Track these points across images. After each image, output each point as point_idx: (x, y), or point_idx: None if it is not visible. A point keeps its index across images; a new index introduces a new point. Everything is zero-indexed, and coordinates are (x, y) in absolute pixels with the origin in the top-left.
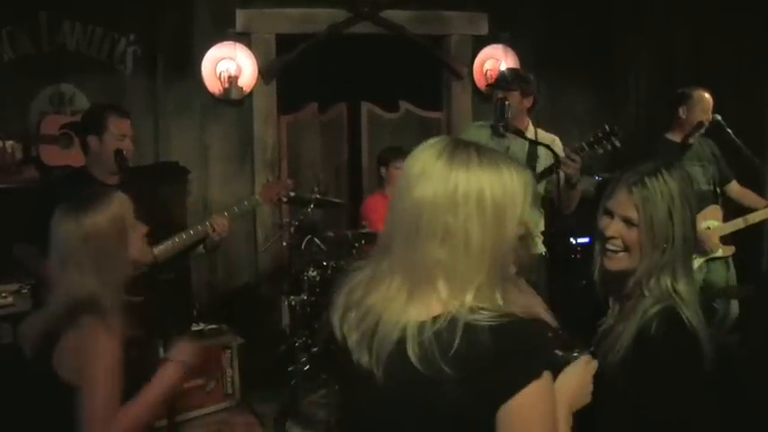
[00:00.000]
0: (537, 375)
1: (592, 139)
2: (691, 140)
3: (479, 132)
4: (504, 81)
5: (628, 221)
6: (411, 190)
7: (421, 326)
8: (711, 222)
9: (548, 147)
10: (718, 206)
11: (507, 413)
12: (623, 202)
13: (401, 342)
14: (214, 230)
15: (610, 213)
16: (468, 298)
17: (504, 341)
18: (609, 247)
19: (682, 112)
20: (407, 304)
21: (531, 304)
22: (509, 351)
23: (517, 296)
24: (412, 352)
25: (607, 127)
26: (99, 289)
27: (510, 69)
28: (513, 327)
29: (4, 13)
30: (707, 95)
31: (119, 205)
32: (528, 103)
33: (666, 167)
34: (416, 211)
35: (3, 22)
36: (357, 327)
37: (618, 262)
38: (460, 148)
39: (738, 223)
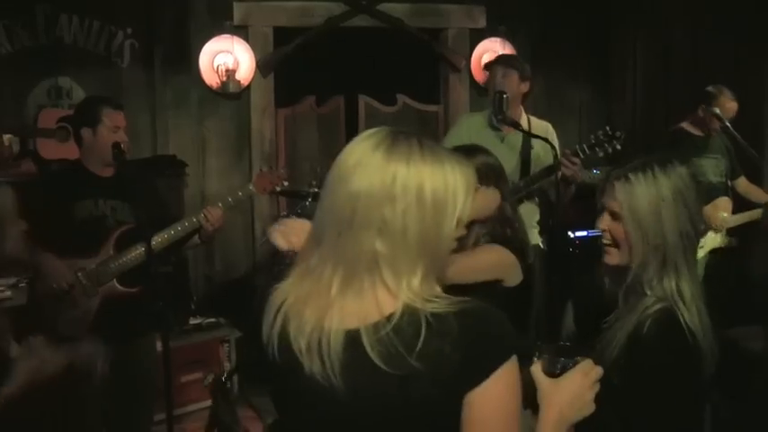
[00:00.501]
0: (506, 358)
1: (592, 141)
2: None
3: (471, 122)
4: (504, 58)
5: (613, 215)
6: (346, 181)
7: (375, 324)
8: (721, 213)
9: (545, 140)
10: (728, 198)
11: (476, 398)
12: (609, 195)
13: (356, 344)
14: (208, 221)
15: (602, 207)
16: (416, 288)
17: (470, 326)
18: (603, 241)
19: (701, 110)
20: (347, 300)
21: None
22: (477, 336)
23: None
24: (373, 352)
25: (609, 129)
26: None
27: (508, 54)
28: (477, 311)
29: (1, 6)
30: (731, 103)
31: None
32: (525, 87)
33: (661, 162)
34: (351, 203)
35: (0, 16)
36: (301, 335)
37: (611, 257)
38: (401, 140)
39: (745, 217)
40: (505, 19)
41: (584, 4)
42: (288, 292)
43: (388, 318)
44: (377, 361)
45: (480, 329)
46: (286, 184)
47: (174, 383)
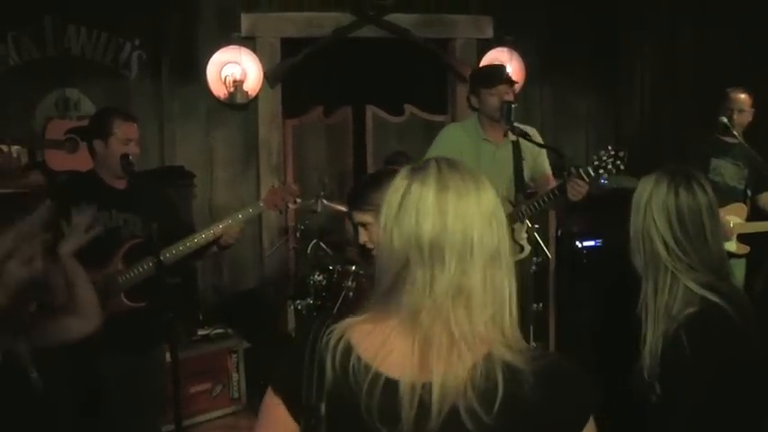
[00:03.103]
0: (587, 419)
1: (596, 163)
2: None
3: (463, 134)
4: (509, 78)
5: None
6: (434, 211)
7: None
8: (734, 218)
9: (553, 149)
10: (743, 205)
11: None
12: None
13: (426, 403)
14: (219, 239)
15: None
16: (496, 333)
17: (549, 383)
18: None
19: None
20: (425, 353)
21: None
22: (558, 395)
23: None
24: (465, 414)
25: (611, 149)
26: None
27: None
28: (555, 367)
29: (10, 17)
30: (742, 96)
31: None
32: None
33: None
34: (450, 234)
35: (8, 27)
36: (372, 390)
37: None
38: (455, 175)
39: (759, 226)
40: (512, 29)
41: (591, 12)
42: (355, 337)
43: (471, 372)
44: (465, 421)
45: (561, 388)
46: (299, 200)
47: (183, 394)
